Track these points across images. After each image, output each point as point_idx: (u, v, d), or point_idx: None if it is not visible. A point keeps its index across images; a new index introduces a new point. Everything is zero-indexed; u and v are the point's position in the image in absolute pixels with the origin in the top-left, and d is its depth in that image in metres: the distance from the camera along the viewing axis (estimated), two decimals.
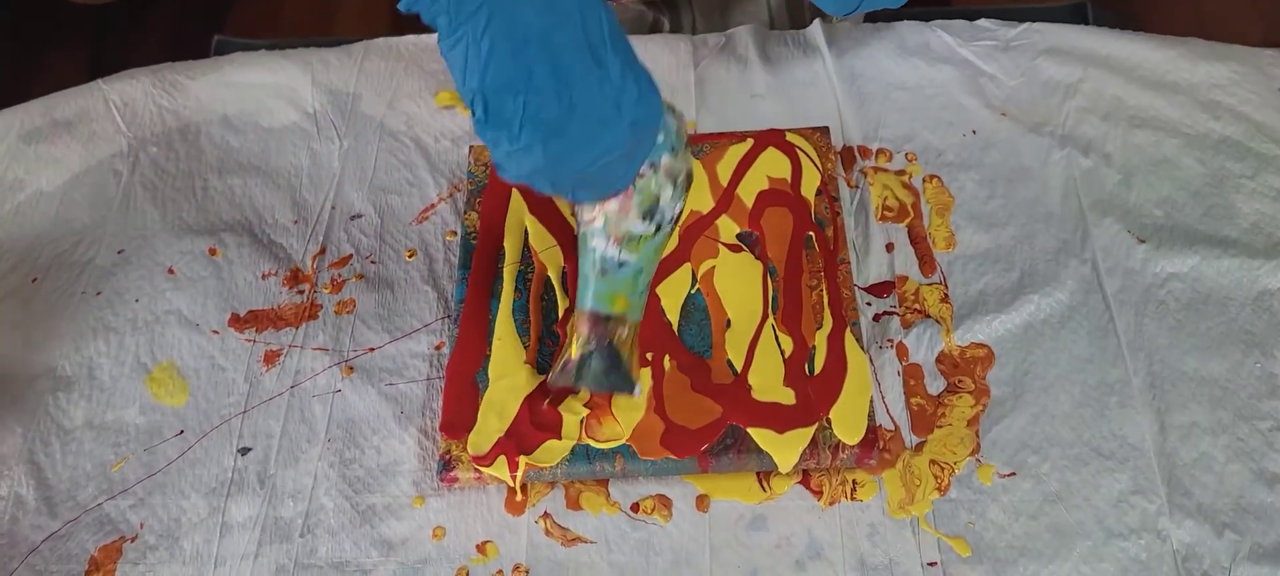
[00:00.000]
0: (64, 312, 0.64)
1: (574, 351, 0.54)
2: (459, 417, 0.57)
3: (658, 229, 0.51)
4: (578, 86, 0.43)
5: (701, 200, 0.65)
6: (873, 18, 0.79)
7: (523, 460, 0.55)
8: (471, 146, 0.69)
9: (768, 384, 0.58)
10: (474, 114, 0.43)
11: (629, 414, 0.57)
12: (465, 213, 0.66)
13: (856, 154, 0.69)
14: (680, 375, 0.58)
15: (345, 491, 0.57)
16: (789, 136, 0.67)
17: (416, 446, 0.59)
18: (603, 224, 0.51)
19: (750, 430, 0.56)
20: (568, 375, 0.54)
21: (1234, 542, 0.53)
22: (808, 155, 0.66)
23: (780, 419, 0.56)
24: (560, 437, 0.56)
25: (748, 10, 0.86)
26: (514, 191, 0.66)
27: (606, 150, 0.45)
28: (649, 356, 0.59)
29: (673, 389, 0.58)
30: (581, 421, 0.56)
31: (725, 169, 0.66)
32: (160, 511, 0.57)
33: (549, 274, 0.62)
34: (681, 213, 0.53)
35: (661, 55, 0.75)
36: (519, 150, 0.43)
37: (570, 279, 0.62)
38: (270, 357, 0.62)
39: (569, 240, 0.64)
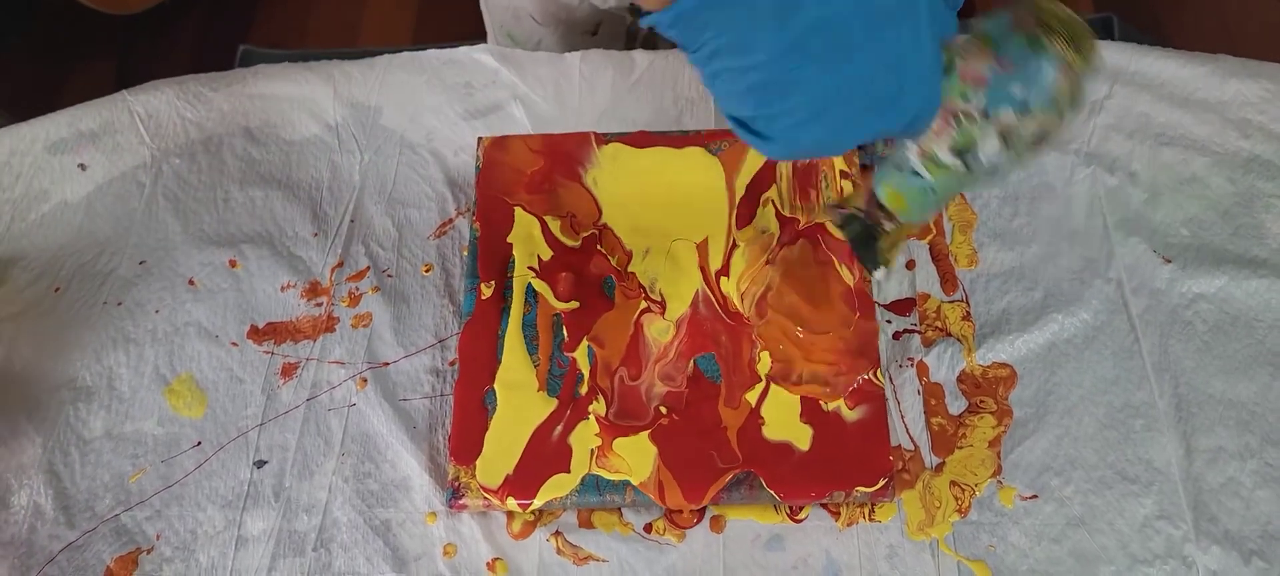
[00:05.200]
0: (86, 323, 0.65)
1: (853, 202, 0.53)
2: (468, 443, 0.57)
3: (967, 168, 0.48)
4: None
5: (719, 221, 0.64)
6: None
7: (534, 501, 0.55)
8: (479, 138, 0.68)
9: (782, 418, 0.57)
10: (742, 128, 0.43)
11: (637, 458, 0.56)
12: (473, 218, 0.65)
13: None
14: (685, 419, 0.57)
15: (359, 505, 0.57)
16: None
17: (429, 462, 0.58)
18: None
19: (763, 480, 0.55)
20: (835, 215, 0.54)
21: (1262, 571, 0.52)
22: None
23: (792, 473, 0.55)
24: (569, 471, 0.56)
25: None
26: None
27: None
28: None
29: (676, 442, 0.57)
30: (592, 451, 0.56)
31: (748, 170, 0.65)
32: (176, 523, 0.57)
33: (557, 310, 0.61)
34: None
35: (683, 66, 0.75)
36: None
37: None
38: (288, 370, 0.62)
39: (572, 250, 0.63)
